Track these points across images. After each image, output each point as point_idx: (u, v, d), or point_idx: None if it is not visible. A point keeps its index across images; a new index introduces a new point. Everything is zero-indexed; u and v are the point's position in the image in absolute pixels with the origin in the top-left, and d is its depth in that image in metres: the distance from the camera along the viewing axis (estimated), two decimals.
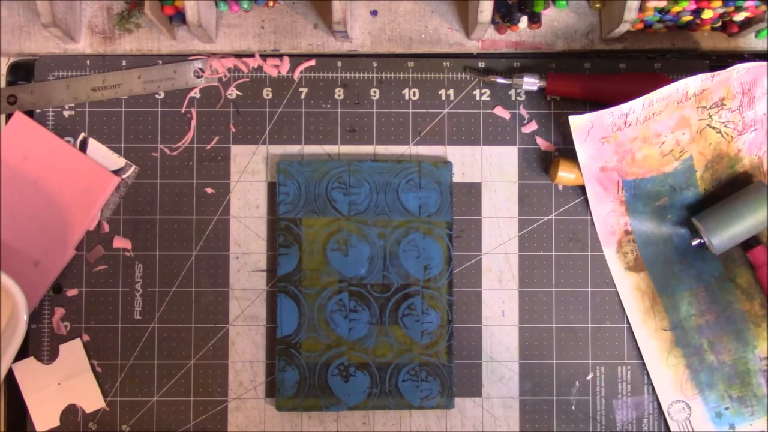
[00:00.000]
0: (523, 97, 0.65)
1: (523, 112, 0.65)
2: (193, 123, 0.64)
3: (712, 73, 0.59)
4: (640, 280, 0.64)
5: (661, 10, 0.61)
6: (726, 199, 0.62)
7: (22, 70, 0.65)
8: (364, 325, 0.63)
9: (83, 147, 0.64)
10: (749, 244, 0.63)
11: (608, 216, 0.64)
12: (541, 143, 0.65)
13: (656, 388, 0.63)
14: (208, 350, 0.63)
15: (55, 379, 0.63)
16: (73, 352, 0.63)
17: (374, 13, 0.65)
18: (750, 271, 0.64)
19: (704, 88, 0.60)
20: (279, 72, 0.65)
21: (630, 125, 0.61)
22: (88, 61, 0.64)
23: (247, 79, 0.65)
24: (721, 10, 0.61)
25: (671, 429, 0.63)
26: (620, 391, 0.64)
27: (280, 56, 0.65)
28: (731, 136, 0.63)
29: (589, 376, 0.64)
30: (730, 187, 0.63)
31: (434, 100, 0.65)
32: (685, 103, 0.61)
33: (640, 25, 0.64)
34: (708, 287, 0.64)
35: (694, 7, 0.60)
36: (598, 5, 0.64)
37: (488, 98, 0.65)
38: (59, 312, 0.63)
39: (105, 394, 0.63)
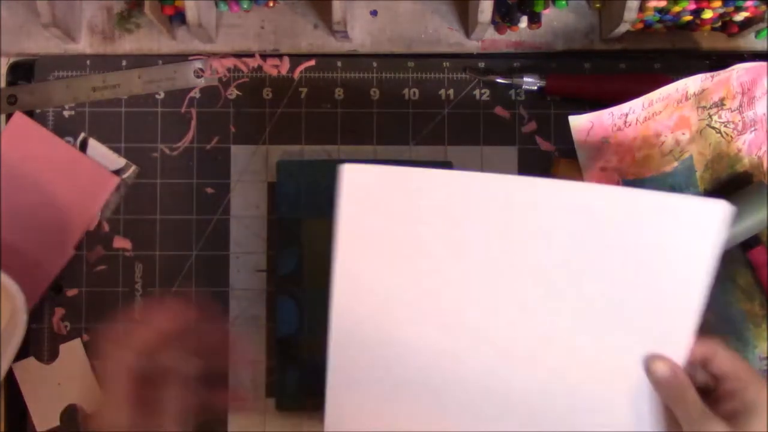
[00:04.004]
0: (523, 97, 0.65)
1: (523, 112, 0.65)
2: (193, 123, 0.64)
3: (712, 73, 0.59)
4: None
5: (661, 10, 0.61)
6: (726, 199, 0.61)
7: (22, 70, 0.65)
8: None
9: (83, 147, 0.64)
10: (749, 244, 0.63)
11: None
12: (541, 143, 0.65)
13: None
14: None
15: (55, 379, 0.62)
16: (73, 352, 0.63)
17: (374, 13, 0.65)
18: (750, 271, 0.64)
19: (704, 88, 0.60)
20: (279, 72, 0.65)
21: (630, 125, 0.61)
22: (88, 61, 0.64)
23: (247, 79, 0.65)
24: (721, 10, 0.61)
25: None
26: None
27: (280, 56, 0.65)
28: (731, 136, 0.63)
29: None
30: (730, 187, 0.63)
31: (434, 100, 0.65)
32: (685, 103, 0.61)
33: (640, 25, 0.64)
34: (708, 287, 0.63)
35: (694, 7, 0.60)
36: (598, 5, 0.64)
37: (488, 98, 0.65)
38: (59, 312, 0.63)
39: None
